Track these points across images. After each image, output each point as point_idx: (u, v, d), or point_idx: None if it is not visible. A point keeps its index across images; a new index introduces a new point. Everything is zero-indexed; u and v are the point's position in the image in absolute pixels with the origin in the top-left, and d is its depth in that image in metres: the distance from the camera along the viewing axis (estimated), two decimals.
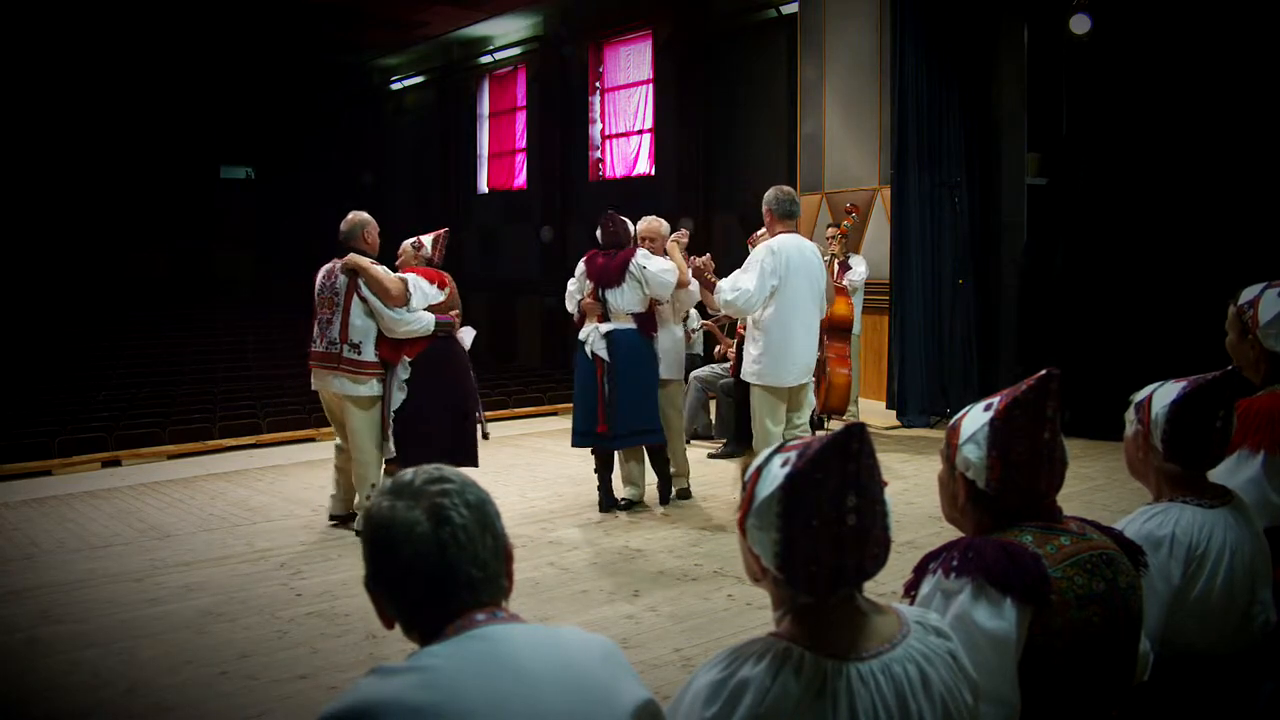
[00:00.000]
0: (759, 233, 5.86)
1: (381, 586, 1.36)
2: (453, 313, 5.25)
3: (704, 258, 5.69)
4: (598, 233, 5.54)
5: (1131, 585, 1.67)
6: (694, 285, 5.60)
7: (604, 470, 5.61)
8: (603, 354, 5.33)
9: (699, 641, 3.62)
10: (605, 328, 5.37)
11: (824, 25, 9.09)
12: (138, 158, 19.54)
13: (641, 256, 5.37)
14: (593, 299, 5.44)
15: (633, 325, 5.39)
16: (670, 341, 5.76)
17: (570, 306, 5.72)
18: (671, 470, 5.76)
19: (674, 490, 5.76)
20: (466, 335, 5.35)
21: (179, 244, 20.07)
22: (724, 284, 5.32)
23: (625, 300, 5.37)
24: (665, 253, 5.57)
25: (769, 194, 5.50)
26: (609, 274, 5.37)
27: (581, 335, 5.44)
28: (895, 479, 5.95)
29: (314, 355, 5.17)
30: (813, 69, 9.20)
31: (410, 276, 5.12)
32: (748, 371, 5.39)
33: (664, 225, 5.75)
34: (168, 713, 3.17)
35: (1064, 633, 1.58)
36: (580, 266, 5.58)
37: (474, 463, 5.17)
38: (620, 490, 5.66)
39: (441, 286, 5.23)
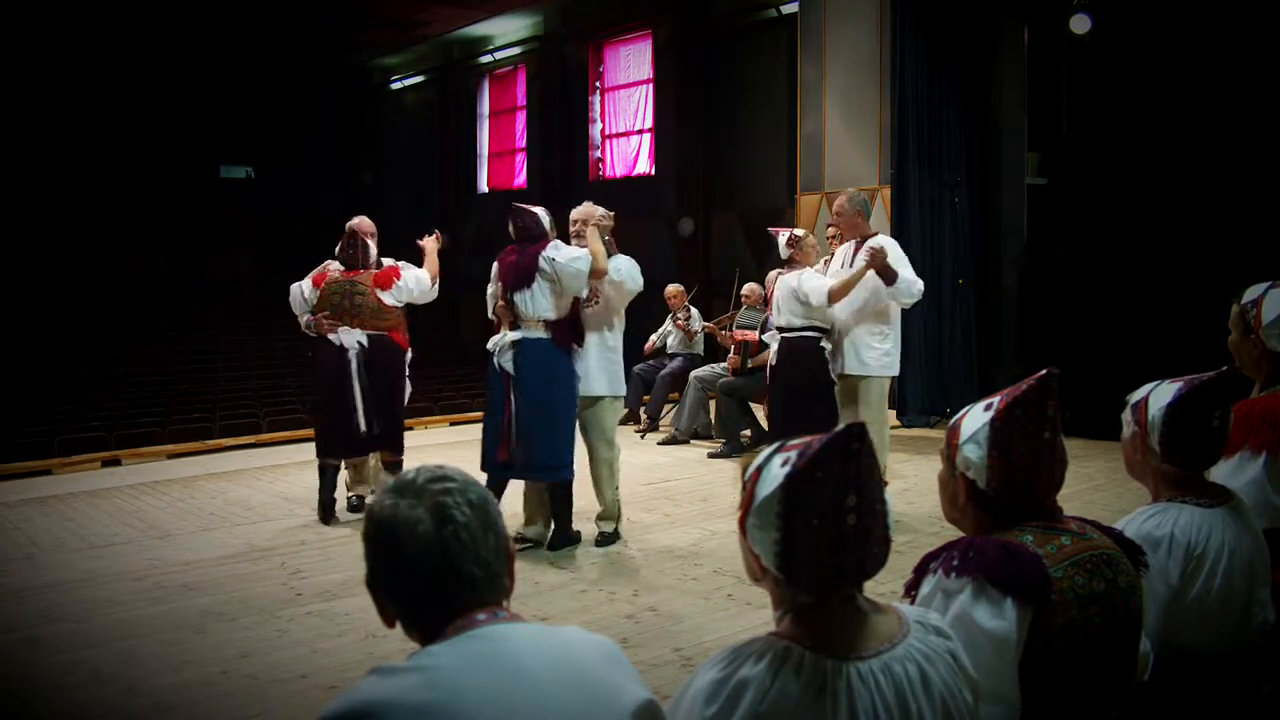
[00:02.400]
0: (796, 231, 5.89)
1: (383, 585, 1.36)
2: (320, 315, 5.36)
3: (878, 245, 5.30)
4: (510, 229, 4.91)
5: (1132, 585, 1.68)
6: (624, 277, 4.82)
7: (560, 507, 4.88)
8: (509, 367, 4.68)
9: (699, 641, 3.62)
10: (513, 336, 4.72)
11: (824, 25, 9.08)
12: (137, 158, 19.52)
13: (551, 248, 4.68)
14: (503, 302, 4.79)
15: (544, 334, 4.70)
16: (600, 351, 4.93)
17: (490, 312, 5.11)
18: (599, 511, 4.96)
19: (597, 533, 4.91)
20: (346, 337, 5.30)
21: (179, 244, 20.06)
22: (910, 276, 5.38)
23: (536, 304, 4.67)
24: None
25: (853, 198, 5.62)
26: (518, 273, 4.68)
27: (490, 344, 4.81)
28: (895, 479, 5.95)
29: None
30: (813, 69, 9.20)
31: (295, 286, 5.53)
32: (880, 364, 5.39)
33: (597, 208, 5.02)
34: (168, 713, 3.16)
35: (1064, 633, 1.58)
36: (494, 266, 4.96)
37: (356, 455, 5.49)
38: (513, 527, 4.80)
39: (316, 286, 5.43)
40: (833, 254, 7.12)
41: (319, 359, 5.42)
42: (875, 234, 5.62)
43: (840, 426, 1.31)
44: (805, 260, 5.69)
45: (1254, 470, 2.35)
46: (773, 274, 6.69)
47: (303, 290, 5.48)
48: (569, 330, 4.75)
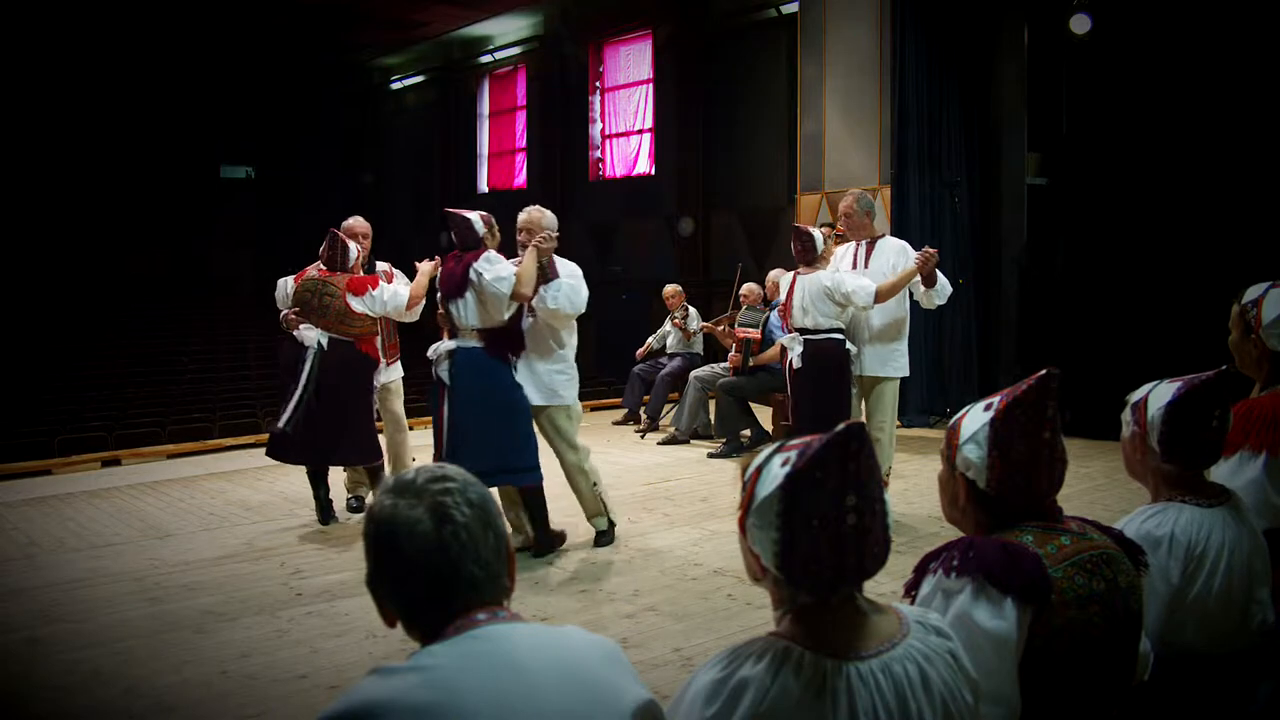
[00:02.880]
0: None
1: (383, 585, 1.36)
2: (288, 311, 5.53)
3: (932, 251, 5.38)
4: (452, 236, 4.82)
5: (1132, 585, 1.68)
6: (559, 304, 4.62)
7: (535, 511, 4.84)
8: (444, 376, 4.59)
9: (699, 641, 3.61)
10: (449, 345, 4.64)
11: (824, 25, 9.08)
12: (138, 157, 19.52)
13: (483, 261, 4.54)
14: (441, 311, 4.72)
15: (478, 344, 4.59)
16: (546, 363, 4.79)
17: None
18: (585, 513, 4.96)
19: (595, 535, 4.95)
20: (307, 334, 5.33)
21: (179, 244, 20.06)
22: (943, 279, 5.47)
23: (468, 314, 4.56)
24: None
25: (860, 199, 5.63)
26: (451, 282, 4.60)
27: (429, 352, 4.72)
28: (895, 479, 5.95)
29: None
30: (813, 69, 9.20)
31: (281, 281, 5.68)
32: (898, 366, 5.46)
33: (545, 217, 4.80)
34: (168, 713, 3.16)
35: (1064, 633, 1.58)
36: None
37: (302, 462, 5.41)
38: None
39: (296, 282, 5.54)
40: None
41: (280, 354, 5.58)
42: (883, 235, 5.64)
43: (839, 426, 1.31)
44: (826, 261, 5.60)
45: (1254, 470, 2.35)
46: (775, 273, 6.66)
47: (286, 285, 5.60)
48: (505, 340, 4.61)
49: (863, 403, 5.48)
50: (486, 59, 18.45)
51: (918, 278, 5.32)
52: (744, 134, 13.90)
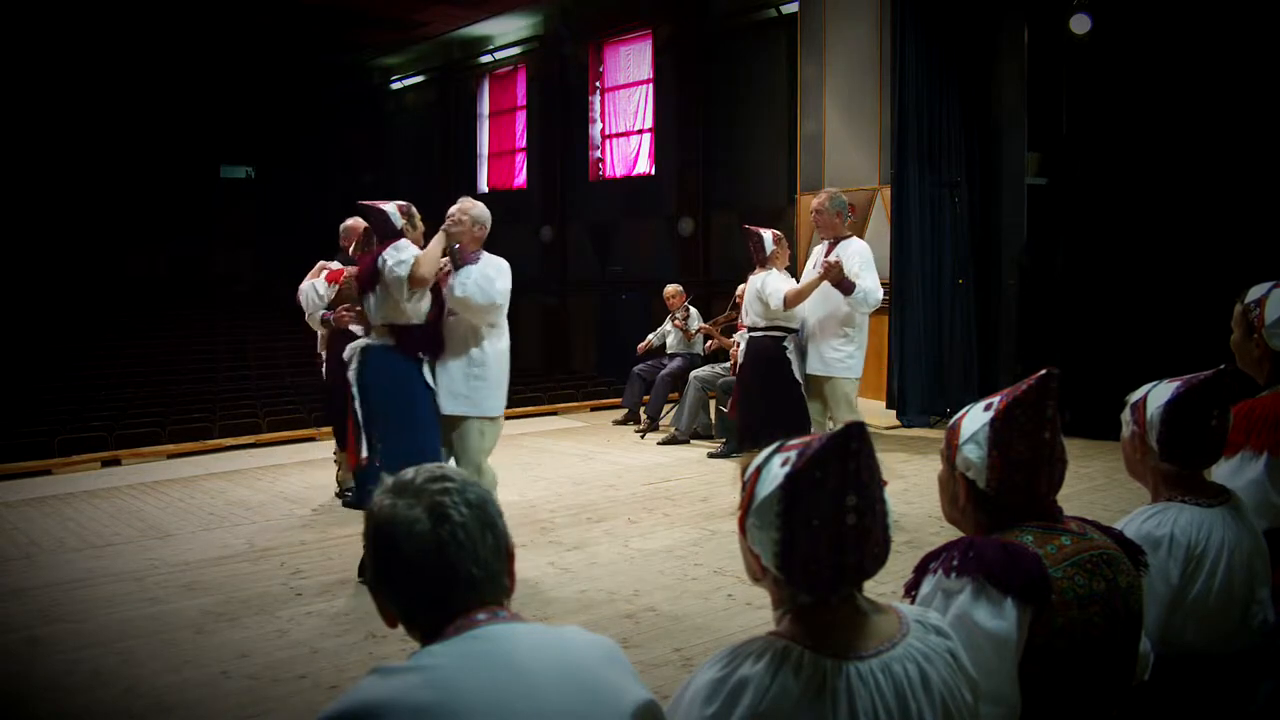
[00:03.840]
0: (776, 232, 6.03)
1: (383, 585, 1.36)
2: (340, 309, 5.54)
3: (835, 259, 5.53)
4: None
5: (1132, 585, 1.68)
6: (468, 292, 4.21)
7: None
8: (351, 375, 4.28)
9: (699, 641, 3.62)
10: (361, 343, 4.36)
11: (824, 25, 9.08)
12: (137, 158, 19.54)
13: (390, 249, 4.21)
14: (359, 307, 4.54)
15: (390, 342, 4.26)
16: (464, 366, 4.32)
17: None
18: None
19: None
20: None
21: (179, 244, 20.08)
22: (869, 286, 5.50)
23: (377, 308, 4.25)
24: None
25: (833, 199, 5.77)
26: (365, 275, 4.31)
27: (344, 353, 4.42)
28: (895, 479, 5.95)
29: None
30: (813, 69, 9.20)
31: (305, 283, 5.61)
32: (843, 366, 5.57)
33: (472, 207, 4.41)
34: (168, 713, 3.16)
35: (1064, 633, 1.58)
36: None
37: None
38: None
39: (332, 283, 5.57)
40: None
41: (329, 353, 5.55)
42: (850, 236, 5.81)
43: (839, 426, 1.31)
44: (780, 262, 5.88)
45: (1255, 471, 2.35)
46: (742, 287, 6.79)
47: (315, 288, 5.59)
48: (419, 339, 4.25)
49: (819, 402, 5.74)
50: (486, 59, 18.45)
51: (828, 283, 5.52)
52: (744, 134, 13.90)
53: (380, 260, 4.18)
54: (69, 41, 17.41)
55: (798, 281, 5.84)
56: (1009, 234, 8.14)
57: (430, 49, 19.03)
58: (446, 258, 4.33)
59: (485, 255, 4.40)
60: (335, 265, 5.71)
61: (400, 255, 4.16)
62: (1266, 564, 2.10)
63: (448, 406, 4.29)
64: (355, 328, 5.37)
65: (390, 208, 4.36)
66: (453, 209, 4.37)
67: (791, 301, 5.64)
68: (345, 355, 4.38)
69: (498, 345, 4.41)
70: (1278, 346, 2.50)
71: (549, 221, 16.91)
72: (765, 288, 5.75)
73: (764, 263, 5.90)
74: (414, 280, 4.12)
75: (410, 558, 1.31)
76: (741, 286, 7.87)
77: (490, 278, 4.26)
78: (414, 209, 4.42)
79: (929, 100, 8.02)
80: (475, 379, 4.32)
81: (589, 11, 15.79)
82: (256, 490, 6.43)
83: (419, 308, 4.24)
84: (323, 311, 5.60)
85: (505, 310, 4.37)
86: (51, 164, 18.49)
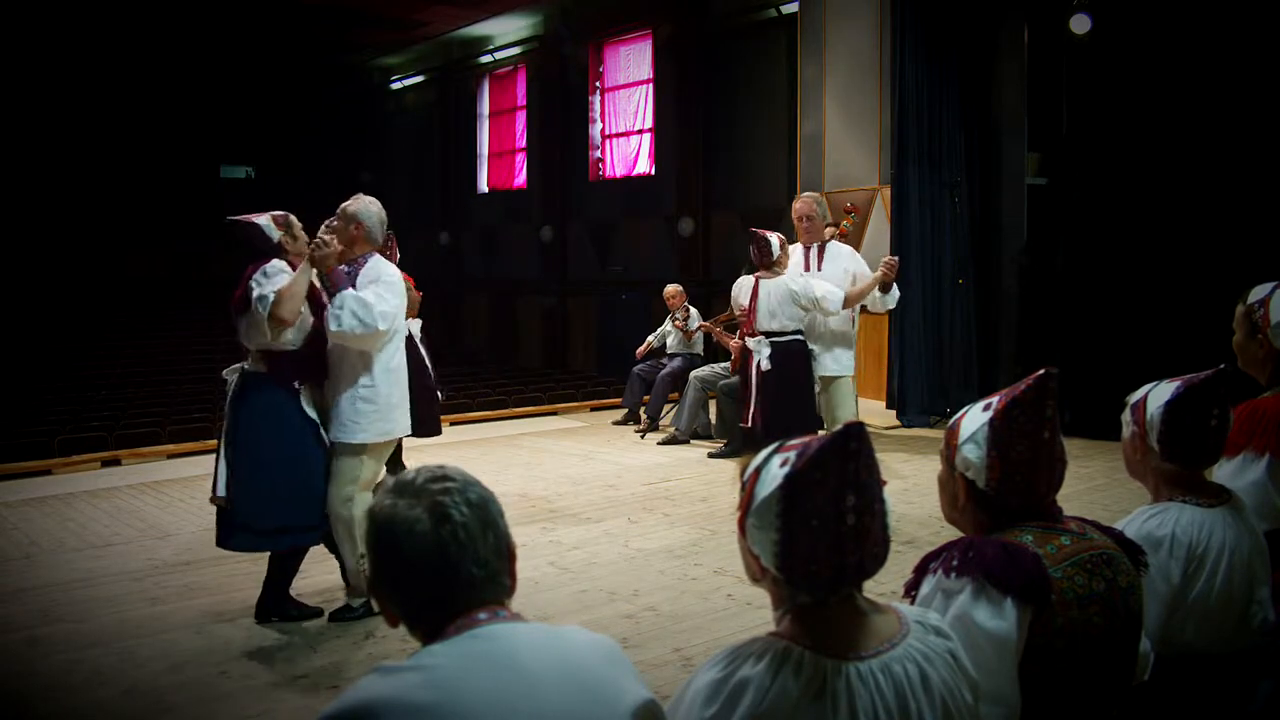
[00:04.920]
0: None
1: (384, 585, 1.36)
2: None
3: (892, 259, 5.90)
4: None
5: (1132, 585, 1.68)
6: (342, 327, 3.68)
7: (275, 569, 3.96)
8: (225, 404, 3.93)
9: (699, 641, 3.62)
10: (237, 366, 3.96)
11: (824, 25, 9.08)
12: (138, 158, 19.54)
13: (259, 274, 3.76)
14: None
15: (263, 368, 3.82)
16: (349, 391, 3.86)
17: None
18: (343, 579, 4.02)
19: (337, 608, 3.96)
20: (411, 325, 5.60)
21: (179, 244, 20.07)
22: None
23: (245, 334, 3.80)
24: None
25: (820, 203, 6.19)
26: (236, 297, 3.80)
27: (225, 373, 4.07)
28: (895, 479, 5.96)
29: None
30: (813, 69, 9.20)
31: None
32: (850, 364, 5.85)
33: (356, 206, 3.94)
34: (168, 713, 3.16)
35: (1064, 633, 1.58)
36: None
37: (438, 431, 5.83)
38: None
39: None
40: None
41: None
42: (831, 239, 5.94)
43: (839, 426, 1.31)
44: (784, 266, 5.88)
45: (1256, 472, 2.35)
46: (745, 279, 6.74)
47: None
48: (293, 367, 3.81)
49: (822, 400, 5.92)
50: (486, 59, 18.45)
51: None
52: (744, 134, 13.90)
53: (250, 284, 3.71)
54: (70, 42, 17.41)
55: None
56: (1009, 234, 8.15)
57: (430, 49, 19.04)
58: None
59: (370, 264, 3.88)
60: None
61: (263, 288, 3.67)
62: (1267, 564, 2.10)
63: (334, 434, 3.86)
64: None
65: (264, 220, 3.90)
66: (326, 223, 3.89)
67: (852, 302, 5.81)
68: (224, 375, 3.98)
69: (389, 364, 3.92)
70: None
71: (549, 221, 16.92)
72: (814, 290, 5.71)
73: (769, 266, 5.84)
74: (274, 320, 3.66)
75: (411, 557, 1.31)
76: (738, 290, 7.90)
77: (367, 303, 3.71)
78: (292, 218, 3.97)
79: (929, 100, 8.02)
80: (364, 402, 3.85)
81: (589, 11, 15.79)
82: None
83: (290, 337, 3.77)
84: None
85: (397, 327, 3.89)
86: (52, 164, 18.49)
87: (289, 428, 3.80)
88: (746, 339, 5.91)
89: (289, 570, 3.97)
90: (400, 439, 4.36)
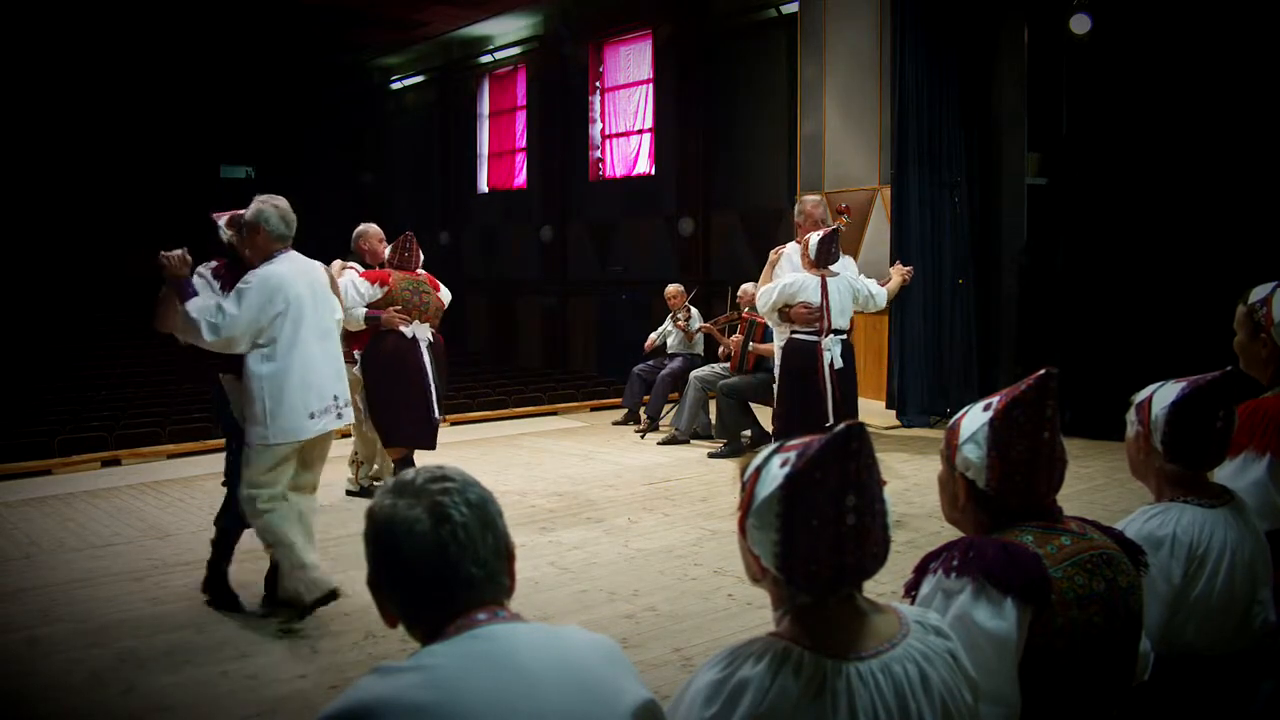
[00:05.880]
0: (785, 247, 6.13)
1: (383, 585, 1.36)
2: (390, 309, 5.60)
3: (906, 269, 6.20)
4: None
5: (1132, 585, 1.68)
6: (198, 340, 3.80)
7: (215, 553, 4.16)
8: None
9: (699, 641, 3.62)
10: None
11: (824, 25, 9.09)
12: (138, 158, 19.54)
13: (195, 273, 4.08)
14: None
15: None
16: (231, 384, 4.04)
17: None
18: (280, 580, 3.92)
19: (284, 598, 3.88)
20: (419, 330, 5.65)
21: (179, 244, 20.02)
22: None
23: None
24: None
25: (820, 204, 6.18)
26: None
27: None
28: (895, 479, 5.95)
29: None
30: (813, 69, 9.20)
31: (345, 277, 5.54)
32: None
33: (253, 211, 3.98)
34: (168, 713, 3.16)
35: (1064, 633, 1.58)
36: None
37: (431, 446, 5.66)
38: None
39: (379, 284, 5.64)
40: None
41: (381, 353, 5.57)
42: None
43: (839, 426, 1.31)
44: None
45: (1258, 472, 2.35)
46: (750, 286, 6.64)
47: (356, 285, 5.53)
48: (187, 362, 3.90)
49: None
50: (486, 59, 18.46)
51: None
52: (744, 134, 13.90)
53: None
54: (70, 42, 17.41)
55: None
56: (1009, 234, 8.15)
57: (430, 49, 19.04)
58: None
59: (254, 272, 3.88)
60: (355, 265, 5.78)
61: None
62: (1268, 564, 2.10)
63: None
64: (405, 329, 5.56)
65: (222, 220, 4.13)
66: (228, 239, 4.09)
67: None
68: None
69: (260, 368, 3.84)
70: None
71: (549, 221, 16.92)
72: (869, 288, 5.92)
73: (828, 265, 5.69)
74: (160, 328, 3.93)
75: (410, 558, 1.31)
76: (746, 287, 7.89)
77: (216, 309, 3.73)
78: (242, 218, 4.03)
79: (929, 100, 8.02)
80: (247, 405, 3.91)
81: (589, 11, 15.79)
82: None
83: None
84: (364, 309, 5.55)
85: (268, 330, 3.84)
86: (52, 164, 18.48)
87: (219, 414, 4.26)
88: (820, 338, 5.61)
89: (221, 552, 4.20)
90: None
